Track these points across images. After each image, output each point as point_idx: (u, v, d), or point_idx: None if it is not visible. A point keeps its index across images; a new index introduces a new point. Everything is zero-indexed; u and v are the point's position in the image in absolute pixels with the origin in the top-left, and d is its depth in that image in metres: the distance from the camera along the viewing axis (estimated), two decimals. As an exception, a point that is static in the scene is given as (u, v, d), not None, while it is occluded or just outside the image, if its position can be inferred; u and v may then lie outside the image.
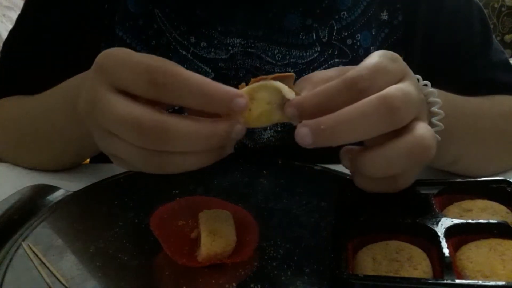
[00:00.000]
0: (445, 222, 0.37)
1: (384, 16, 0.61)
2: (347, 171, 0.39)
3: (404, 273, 0.34)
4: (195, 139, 0.33)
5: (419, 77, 0.42)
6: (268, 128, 0.59)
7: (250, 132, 0.59)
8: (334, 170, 0.52)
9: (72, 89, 0.50)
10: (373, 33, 0.60)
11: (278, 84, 0.35)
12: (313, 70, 0.59)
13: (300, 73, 0.58)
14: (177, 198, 0.46)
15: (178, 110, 0.42)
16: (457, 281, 0.32)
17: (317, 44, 0.59)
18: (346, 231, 0.38)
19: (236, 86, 0.36)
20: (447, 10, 0.63)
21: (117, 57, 0.35)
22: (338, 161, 0.39)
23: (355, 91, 0.33)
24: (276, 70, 0.58)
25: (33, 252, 0.39)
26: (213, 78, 0.57)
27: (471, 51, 0.64)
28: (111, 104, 0.34)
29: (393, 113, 0.32)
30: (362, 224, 0.38)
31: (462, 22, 0.64)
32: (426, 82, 0.43)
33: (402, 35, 0.61)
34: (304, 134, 0.32)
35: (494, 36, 0.67)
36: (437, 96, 0.43)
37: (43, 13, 0.63)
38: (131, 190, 0.49)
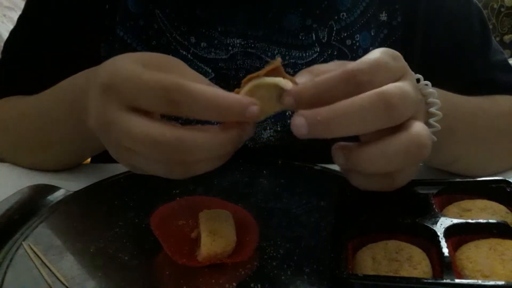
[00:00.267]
0: (445, 222, 0.37)
1: (383, 17, 0.61)
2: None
3: (403, 273, 0.34)
4: (213, 148, 0.34)
5: (420, 76, 0.42)
6: (267, 128, 0.59)
7: None
8: (334, 170, 0.52)
9: (72, 89, 0.50)
10: (372, 33, 0.60)
11: (273, 79, 0.35)
12: None
13: None
14: (177, 198, 0.46)
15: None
16: (457, 280, 0.32)
17: (316, 44, 0.59)
18: (346, 231, 0.38)
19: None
20: (446, 11, 0.63)
21: (125, 76, 0.35)
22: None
23: (353, 84, 0.33)
24: None
25: (34, 252, 0.39)
26: (213, 78, 0.58)
27: (470, 51, 0.64)
28: (127, 124, 0.34)
29: (391, 110, 0.32)
30: (362, 224, 0.38)
31: (461, 22, 0.64)
32: (426, 82, 0.43)
33: (401, 35, 0.62)
34: (299, 124, 0.32)
35: (493, 37, 0.67)
36: (436, 96, 0.43)
37: (44, 13, 0.64)
38: (131, 190, 0.49)
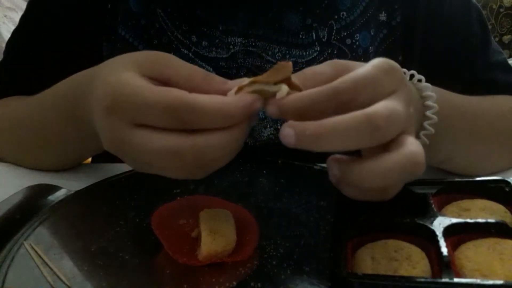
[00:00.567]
0: (444, 222, 0.37)
1: (383, 17, 0.61)
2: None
3: (402, 272, 0.34)
4: (227, 147, 0.35)
5: (414, 72, 0.42)
6: (268, 126, 0.59)
7: (251, 130, 0.59)
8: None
9: (72, 89, 0.50)
10: (372, 33, 0.61)
11: (278, 87, 0.35)
12: None
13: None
14: (178, 198, 0.46)
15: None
16: (456, 280, 0.32)
17: (316, 43, 0.59)
18: (346, 231, 0.38)
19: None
20: (445, 11, 0.64)
21: (126, 94, 0.35)
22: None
23: (336, 102, 0.33)
24: None
25: (35, 251, 0.39)
26: None
27: (470, 51, 0.64)
28: (140, 140, 0.34)
29: (375, 131, 0.33)
30: (361, 224, 0.39)
31: (460, 23, 0.64)
32: (420, 77, 0.43)
33: (401, 36, 0.62)
34: (288, 134, 0.33)
35: (492, 37, 0.67)
36: (433, 96, 0.43)
37: (46, 13, 0.64)
38: (132, 189, 0.49)
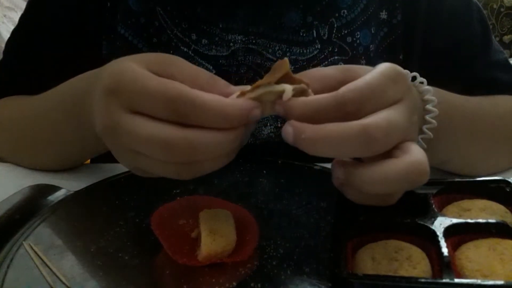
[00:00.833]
0: (444, 222, 0.37)
1: (384, 15, 0.61)
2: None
3: (403, 273, 0.34)
4: (220, 147, 0.34)
5: (416, 74, 0.42)
6: (268, 124, 0.59)
7: None
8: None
9: (73, 91, 0.50)
10: (373, 31, 0.61)
11: (282, 86, 0.35)
12: (314, 67, 0.59)
13: (300, 70, 0.58)
14: (178, 198, 0.46)
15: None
16: (456, 280, 0.32)
17: (317, 41, 0.59)
18: (346, 231, 0.38)
19: (238, 82, 0.36)
20: (446, 10, 0.63)
21: (129, 79, 0.35)
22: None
23: (342, 112, 0.34)
24: None
25: (34, 251, 0.39)
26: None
27: (470, 51, 0.64)
28: (133, 126, 0.34)
29: (371, 144, 0.33)
30: (361, 224, 0.39)
31: (461, 22, 0.64)
32: (422, 79, 0.43)
33: (401, 34, 0.62)
34: (287, 133, 0.34)
35: (493, 36, 0.67)
36: (434, 100, 0.43)
37: (45, 13, 0.64)
38: (131, 189, 0.49)
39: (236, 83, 0.37)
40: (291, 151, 0.55)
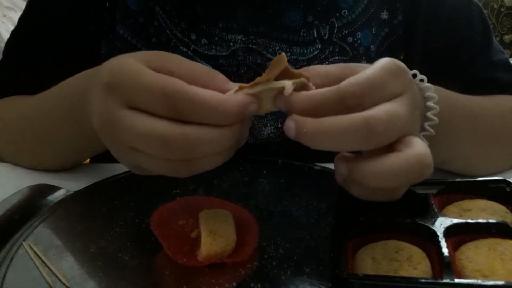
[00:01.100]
0: (445, 222, 0.37)
1: (384, 15, 0.61)
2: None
3: (403, 273, 0.34)
4: (217, 144, 0.34)
5: (416, 72, 0.42)
6: (268, 125, 0.59)
7: (251, 128, 0.59)
8: (334, 170, 0.52)
9: (73, 90, 0.50)
10: (374, 32, 0.61)
11: (282, 83, 0.35)
12: None
13: None
14: (178, 198, 0.46)
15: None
16: (456, 280, 0.32)
17: (318, 41, 0.59)
18: (346, 231, 0.38)
19: (237, 82, 0.36)
20: (447, 11, 0.63)
21: (127, 74, 0.35)
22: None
23: (343, 105, 0.34)
24: None
25: (34, 251, 0.39)
26: None
27: (471, 51, 0.64)
28: (130, 121, 0.34)
29: (372, 136, 0.33)
30: (361, 224, 0.39)
31: (462, 22, 0.64)
32: (422, 76, 0.43)
33: (402, 34, 0.62)
34: (290, 127, 0.34)
35: (494, 36, 0.67)
36: (435, 97, 0.43)
37: (44, 13, 0.64)
38: (131, 189, 0.49)
39: (236, 82, 0.37)
40: (291, 151, 0.56)
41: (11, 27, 0.67)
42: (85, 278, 0.37)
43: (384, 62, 0.36)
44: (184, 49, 0.58)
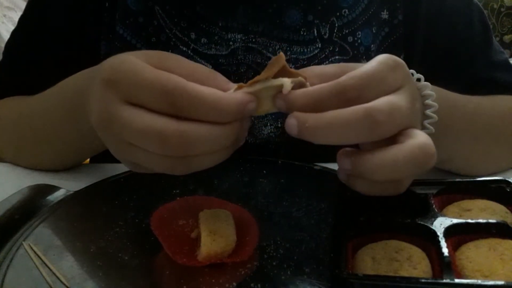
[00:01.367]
0: (445, 222, 0.37)
1: (385, 15, 0.61)
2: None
3: (403, 273, 0.34)
4: (214, 141, 0.34)
5: (413, 71, 0.42)
6: (268, 124, 0.59)
7: (251, 128, 0.59)
8: (334, 170, 0.52)
9: (73, 89, 0.50)
10: (374, 31, 0.61)
11: (280, 80, 0.35)
12: None
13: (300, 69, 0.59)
14: (177, 198, 0.46)
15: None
16: (456, 280, 0.32)
17: (318, 40, 0.59)
18: (346, 231, 0.38)
19: (237, 81, 0.36)
20: (447, 10, 0.63)
21: (126, 71, 0.35)
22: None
23: (343, 99, 0.34)
24: None
25: (34, 251, 0.39)
26: None
27: (471, 51, 0.64)
28: (129, 117, 0.34)
29: (375, 127, 0.33)
30: (361, 224, 0.38)
31: (462, 22, 0.64)
32: (419, 76, 0.43)
33: (402, 34, 0.62)
34: (292, 124, 0.34)
35: (493, 36, 0.67)
36: (433, 95, 0.43)
37: (45, 13, 0.64)
38: (131, 189, 0.49)
39: (236, 82, 0.37)
40: (291, 151, 0.56)
41: (11, 27, 0.67)
42: (85, 278, 0.37)
43: (381, 57, 0.36)
44: (184, 48, 0.58)
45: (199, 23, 0.58)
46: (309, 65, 0.58)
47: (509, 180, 0.41)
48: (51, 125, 0.55)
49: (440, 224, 0.36)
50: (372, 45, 0.60)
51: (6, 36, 0.68)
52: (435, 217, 0.37)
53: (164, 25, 0.58)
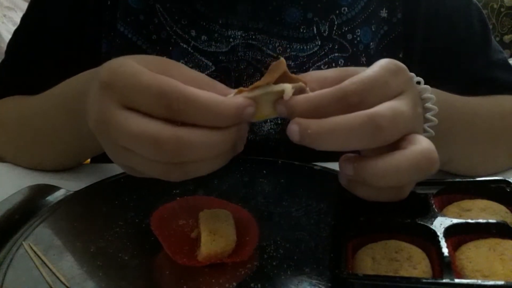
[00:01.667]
0: (445, 222, 0.37)
1: (384, 13, 0.61)
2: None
3: (403, 273, 0.34)
4: (211, 147, 0.34)
5: (413, 75, 0.42)
6: (268, 121, 0.59)
7: (251, 125, 0.59)
8: (334, 170, 0.52)
9: (73, 91, 0.50)
10: (373, 29, 0.61)
11: (281, 86, 0.35)
12: (314, 63, 0.59)
13: (300, 66, 0.59)
14: (178, 198, 0.46)
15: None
16: (456, 280, 0.32)
17: (317, 38, 0.59)
18: (346, 231, 0.38)
19: (238, 78, 0.36)
20: (446, 10, 0.64)
21: (124, 75, 0.35)
22: (338, 160, 0.39)
23: (345, 104, 0.34)
24: None
25: (34, 251, 0.39)
26: (213, 71, 0.58)
27: (470, 50, 0.64)
28: (125, 122, 0.34)
29: (378, 133, 0.33)
30: (361, 224, 0.38)
31: (461, 21, 0.64)
32: (419, 79, 0.43)
33: (401, 33, 0.62)
34: (293, 131, 0.33)
35: (493, 36, 0.67)
36: (432, 98, 0.43)
37: (46, 12, 0.64)
38: (131, 189, 0.49)
39: (236, 79, 0.37)
40: (291, 148, 0.55)
41: (11, 27, 0.67)
42: (85, 278, 0.37)
43: (383, 62, 0.36)
44: (184, 46, 0.58)
45: (199, 21, 0.58)
46: (309, 62, 0.59)
47: (509, 180, 0.41)
48: (51, 126, 0.55)
49: (440, 224, 0.36)
50: (371, 43, 0.60)
51: (6, 36, 0.68)
52: (435, 217, 0.37)
53: (165, 23, 0.59)
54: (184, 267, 0.37)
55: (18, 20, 0.67)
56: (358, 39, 0.60)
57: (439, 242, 0.35)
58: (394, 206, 0.37)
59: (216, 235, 0.38)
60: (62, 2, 0.63)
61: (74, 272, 0.37)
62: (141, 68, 0.35)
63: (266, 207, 0.46)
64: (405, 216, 0.38)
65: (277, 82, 0.35)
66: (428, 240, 0.36)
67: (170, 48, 0.58)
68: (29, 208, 0.46)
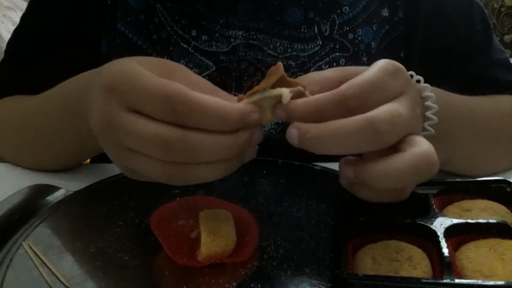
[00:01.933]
0: (445, 222, 0.37)
1: (385, 12, 0.61)
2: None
3: (403, 273, 0.34)
4: (218, 150, 0.34)
5: (413, 73, 0.42)
6: None
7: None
8: (334, 170, 0.52)
9: (73, 92, 0.50)
10: (374, 29, 0.61)
11: (279, 90, 0.35)
12: (315, 63, 0.59)
13: (301, 66, 0.59)
14: (177, 198, 0.46)
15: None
16: (457, 280, 0.32)
17: (318, 37, 0.59)
18: (346, 231, 0.38)
19: (238, 78, 0.36)
20: (447, 9, 0.64)
21: (128, 77, 0.34)
22: (338, 160, 0.39)
23: (344, 108, 0.34)
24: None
25: (34, 251, 0.39)
26: (214, 71, 0.58)
27: (471, 49, 0.64)
28: (131, 123, 0.34)
29: (378, 136, 0.33)
30: (362, 224, 0.38)
31: (462, 21, 0.64)
32: (418, 77, 0.43)
33: (403, 32, 0.62)
34: (293, 134, 0.34)
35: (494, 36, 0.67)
36: (432, 96, 0.43)
37: (46, 12, 0.64)
38: (131, 190, 0.49)
39: (237, 79, 0.37)
40: (291, 148, 0.55)
41: (11, 27, 0.67)
42: (85, 278, 0.37)
43: (381, 63, 0.36)
44: (185, 46, 0.58)
45: (200, 21, 0.58)
46: (310, 62, 0.59)
47: (509, 180, 0.41)
48: (51, 126, 0.55)
49: (440, 224, 0.36)
50: (372, 43, 0.60)
51: (6, 35, 0.68)
52: (435, 217, 0.37)
53: (165, 23, 0.59)
54: (184, 267, 0.37)
55: (17, 20, 0.67)
56: (360, 38, 0.60)
57: (439, 242, 0.35)
58: (394, 206, 0.37)
59: (216, 235, 0.38)
60: (62, 1, 0.63)
61: (74, 272, 0.37)
62: (144, 71, 0.35)
63: (266, 207, 0.46)
64: (405, 216, 0.38)
65: (275, 86, 0.35)
66: (429, 240, 0.36)
67: (171, 48, 0.58)
68: (29, 208, 0.46)
